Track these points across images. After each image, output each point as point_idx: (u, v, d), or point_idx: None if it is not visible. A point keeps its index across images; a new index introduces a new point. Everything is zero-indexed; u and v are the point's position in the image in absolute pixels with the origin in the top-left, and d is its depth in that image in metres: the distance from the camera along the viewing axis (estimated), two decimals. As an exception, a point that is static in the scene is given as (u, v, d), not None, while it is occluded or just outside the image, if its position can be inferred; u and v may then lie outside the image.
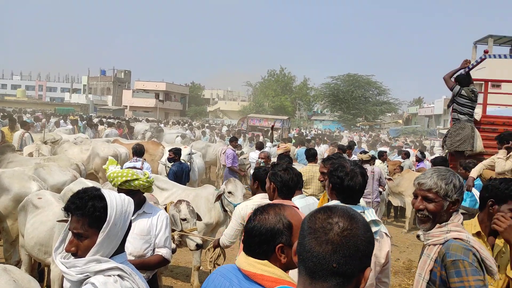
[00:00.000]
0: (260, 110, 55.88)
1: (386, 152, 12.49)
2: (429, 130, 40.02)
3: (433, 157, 11.48)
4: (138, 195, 3.43)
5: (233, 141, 11.86)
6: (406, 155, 12.94)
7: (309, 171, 7.02)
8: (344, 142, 20.42)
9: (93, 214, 1.99)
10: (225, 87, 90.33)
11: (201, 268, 6.06)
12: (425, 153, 14.33)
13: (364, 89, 56.37)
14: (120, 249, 2.09)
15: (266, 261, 1.79)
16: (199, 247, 4.55)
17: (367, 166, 8.27)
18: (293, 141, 18.83)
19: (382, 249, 2.85)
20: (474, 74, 8.00)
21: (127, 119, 30.99)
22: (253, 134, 23.46)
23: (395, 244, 9.02)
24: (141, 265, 3.20)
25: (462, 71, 7.45)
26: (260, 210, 1.90)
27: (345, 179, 2.86)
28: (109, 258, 2.02)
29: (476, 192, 5.63)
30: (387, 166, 10.83)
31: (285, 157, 7.08)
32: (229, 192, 5.69)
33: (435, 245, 2.35)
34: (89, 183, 5.66)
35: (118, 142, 12.25)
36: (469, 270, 2.18)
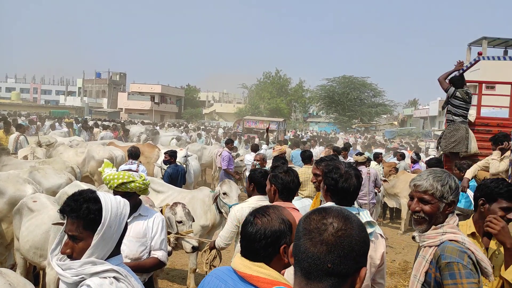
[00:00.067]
0: (255, 112, 55.91)
1: (381, 153, 12.52)
2: (424, 132, 40.13)
3: (427, 158, 11.53)
4: (134, 198, 3.42)
5: (229, 143, 11.87)
6: (402, 157, 12.98)
7: (305, 173, 7.03)
8: (340, 144, 20.46)
9: (88, 217, 2.00)
10: (220, 90, 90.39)
11: (197, 270, 6.05)
12: (420, 154, 14.38)
13: (360, 91, 56.49)
14: (116, 251, 2.10)
15: (261, 263, 1.80)
16: (195, 249, 4.55)
17: (363, 167, 8.30)
18: (289, 143, 18.85)
19: (377, 250, 2.86)
20: (468, 75, 8.06)
21: (122, 121, 30.93)
22: (249, 136, 23.47)
23: (390, 246, 9.05)
24: (137, 267, 3.19)
25: (456, 73, 7.49)
26: (259, 213, 1.90)
27: (340, 181, 2.87)
28: (105, 260, 2.02)
29: (471, 193, 5.66)
30: (383, 168, 10.87)
31: (280, 159, 7.10)
32: (224, 193, 5.69)
33: (430, 246, 2.35)
34: (85, 186, 5.64)
35: (114, 145, 12.23)
36: (463, 273, 2.18)
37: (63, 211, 2.05)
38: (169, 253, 3.94)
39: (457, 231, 2.35)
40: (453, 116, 7.35)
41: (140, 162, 8.32)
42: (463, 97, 7.22)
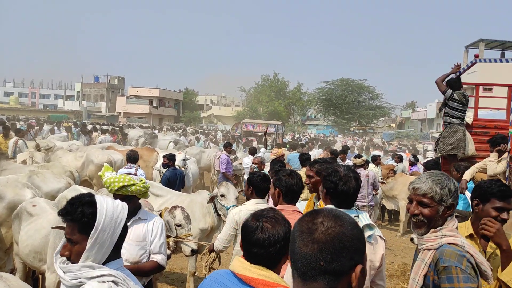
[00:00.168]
0: (254, 116, 55.96)
1: (379, 156, 12.56)
2: (422, 134, 40.22)
3: (425, 160, 11.55)
4: (134, 201, 3.44)
5: (227, 146, 11.88)
6: (400, 159, 13.01)
7: (303, 176, 7.03)
8: (338, 146, 20.47)
9: (81, 220, 2.01)
10: (219, 93, 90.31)
11: (196, 273, 6.06)
12: (418, 156, 14.42)
13: (357, 94, 56.64)
14: (115, 255, 2.10)
15: (261, 266, 1.81)
16: (194, 252, 4.55)
17: (361, 170, 8.33)
18: (287, 146, 18.87)
19: (376, 252, 2.86)
20: (466, 77, 8.08)
21: (121, 125, 30.91)
22: (247, 140, 23.47)
23: (389, 248, 9.06)
24: (136, 271, 3.20)
25: (453, 75, 7.53)
26: (264, 218, 1.90)
27: (339, 184, 2.88)
28: (104, 264, 2.03)
29: (468, 195, 5.67)
30: (381, 170, 10.89)
31: (278, 162, 7.12)
32: (222, 195, 5.70)
33: (429, 249, 2.34)
34: (84, 190, 5.64)
35: (113, 149, 12.23)
36: (461, 277, 2.17)
37: (60, 214, 2.08)
38: (168, 257, 3.95)
39: (456, 234, 2.35)
40: (451, 118, 7.38)
41: (139, 166, 8.33)
42: (461, 99, 7.25)
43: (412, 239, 2.45)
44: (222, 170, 10.99)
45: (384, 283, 2.98)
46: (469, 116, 7.90)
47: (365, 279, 1.33)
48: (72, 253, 2.03)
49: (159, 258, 3.46)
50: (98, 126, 25.33)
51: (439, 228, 2.36)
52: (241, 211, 3.89)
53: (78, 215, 2.01)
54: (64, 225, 2.08)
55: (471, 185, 6.18)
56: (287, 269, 2.44)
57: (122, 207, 2.14)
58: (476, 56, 8.14)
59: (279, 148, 14.37)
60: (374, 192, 8.94)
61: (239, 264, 1.84)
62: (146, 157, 11.33)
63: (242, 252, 1.96)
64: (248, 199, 4.16)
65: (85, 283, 1.97)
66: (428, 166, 8.06)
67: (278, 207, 3.38)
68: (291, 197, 3.41)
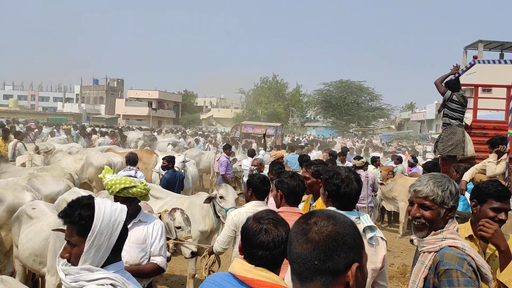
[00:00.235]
0: (253, 117, 55.97)
1: (379, 157, 12.56)
2: (422, 135, 40.21)
3: (424, 162, 11.55)
4: (135, 204, 3.44)
5: (227, 148, 11.89)
6: (399, 160, 13.02)
7: (303, 178, 7.03)
8: (338, 148, 20.48)
9: (79, 223, 2.02)
10: (218, 95, 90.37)
11: (196, 276, 6.05)
12: (417, 158, 14.41)
13: (357, 95, 56.69)
14: (115, 257, 2.09)
15: (262, 267, 1.81)
16: (194, 254, 4.55)
17: (361, 171, 8.34)
18: (287, 147, 18.87)
19: (378, 253, 2.85)
20: (465, 79, 8.09)
21: (120, 127, 30.92)
22: (247, 142, 23.47)
23: (389, 249, 9.03)
24: (136, 272, 3.20)
25: (452, 76, 7.54)
26: (265, 220, 1.89)
27: (341, 186, 2.88)
28: (104, 266, 2.03)
29: (468, 196, 5.68)
30: (380, 172, 10.89)
31: (277, 164, 7.11)
32: (221, 197, 5.70)
33: (429, 252, 2.33)
34: (83, 193, 5.64)
35: (112, 151, 12.23)
36: (461, 281, 2.16)
37: (59, 216, 2.09)
38: (168, 259, 3.95)
39: (457, 237, 2.34)
40: (450, 119, 7.39)
41: (138, 168, 8.33)
42: (460, 101, 7.27)
43: (412, 241, 2.45)
44: (221, 172, 11.00)
45: (386, 284, 2.98)
46: (468, 117, 7.91)
47: (365, 279, 1.32)
48: (72, 255, 2.04)
49: (159, 260, 3.47)
50: (97, 129, 25.38)
51: (439, 230, 2.35)
52: (240, 213, 3.89)
53: (76, 218, 2.02)
54: (65, 227, 2.08)
55: (470, 186, 6.18)
56: (287, 271, 2.44)
57: (120, 210, 2.14)
58: (475, 57, 8.15)
59: (278, 150, 14.37)
60: (373, 194, 8.94)
61: (240, 266, 1.84)
62: (145, 159, 11.32)
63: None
64: (247, 201, 4.16)
65: (85, 285, 1.97)
66: (427, 167, 8.06)
67: (280, 209, 3.38)
68: (294, 199, 3.41)
